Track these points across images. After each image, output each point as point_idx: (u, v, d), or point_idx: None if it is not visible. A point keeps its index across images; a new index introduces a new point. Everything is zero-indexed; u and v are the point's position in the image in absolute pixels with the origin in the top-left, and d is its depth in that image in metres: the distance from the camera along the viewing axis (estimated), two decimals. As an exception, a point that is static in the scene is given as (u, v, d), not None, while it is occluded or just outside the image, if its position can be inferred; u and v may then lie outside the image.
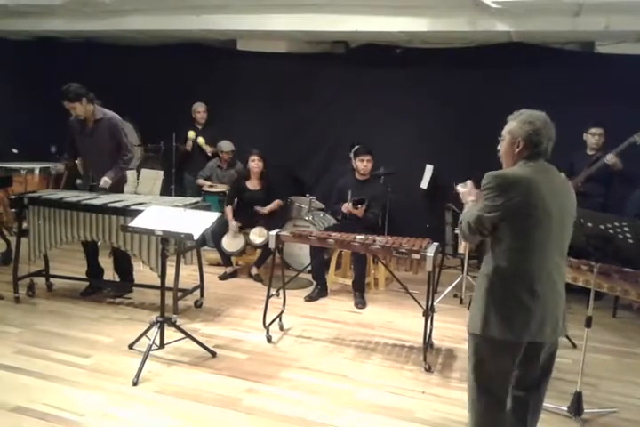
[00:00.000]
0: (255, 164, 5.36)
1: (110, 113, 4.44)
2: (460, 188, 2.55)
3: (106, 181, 4.36)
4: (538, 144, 2.20)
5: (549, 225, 2.14)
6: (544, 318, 2.16)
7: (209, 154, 6.36)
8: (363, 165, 4.96)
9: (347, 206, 4.87)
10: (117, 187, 4.53)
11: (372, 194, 4.97)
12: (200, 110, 6.50)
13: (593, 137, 4.85)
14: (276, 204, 5.47)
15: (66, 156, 4.71)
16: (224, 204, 5.74)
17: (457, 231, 4.77)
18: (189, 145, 6.40)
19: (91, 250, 4.61)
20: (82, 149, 4.50)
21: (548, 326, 2.18)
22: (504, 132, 2.32)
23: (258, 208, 5.38)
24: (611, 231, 2.82)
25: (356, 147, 5.11)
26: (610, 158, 4.60)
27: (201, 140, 6.31)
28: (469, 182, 2.55)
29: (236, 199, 5.51)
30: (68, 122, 4.46)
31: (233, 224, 5.25)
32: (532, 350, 2.25)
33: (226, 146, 6.09)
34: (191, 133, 6.32)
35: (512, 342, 2.17)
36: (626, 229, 2.76)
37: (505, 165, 2.32)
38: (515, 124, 2.26)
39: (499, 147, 2.33)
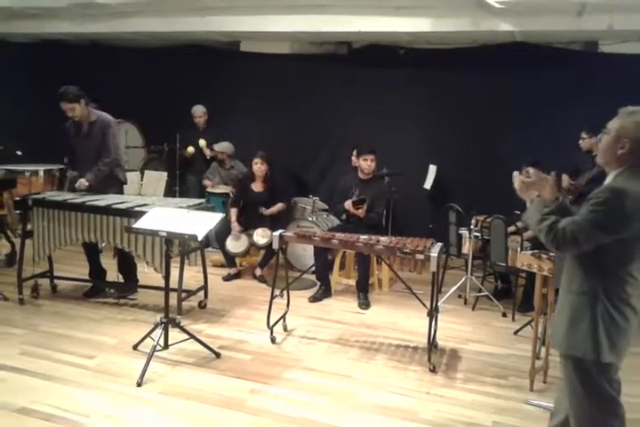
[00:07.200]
0: (258, 167, 5.35)
1: (104, 115, 4.45)
2: (517, 176, 2.21)
3: (81, 182, 4.34)
4: None
5: None
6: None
7: (207, 157, 6.36)
8: (367, 164, 4.95)
9: (349, 204, 4.86)
10: (103, 188, 4.43)
11: (375, 193, 4.96)
12: (198, 115, 6.49)
13: (582, 141, 5.03)
14: (278, 207, 5.43)
15: (69, 163, 4.70)
16: (228, 205, 5.74)
17: (470, 234, 4.72)
18: (189, 155, 6.40)
19: (91, 251, 4.63)
20: (77, 152, 4.50)
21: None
22: (610, 126, 2.09)
23: (262, 210, 5.37)
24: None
25: (359, 146, 5.13)
26: None
27: (202, 142, 6.31)
28: (532, 170, 2.23)
29: (240, 201, 5.50)
30: (65, 127, 4.47)
31: (235, 226, 5.25)
32: None
33: (219, 147, 6.10)
34: (190, 149, 6.33)
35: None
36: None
37: (602, 160, 2.14)
38: (627, 123, 2.04)
39: (595, 140, 2.15)
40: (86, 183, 4.34)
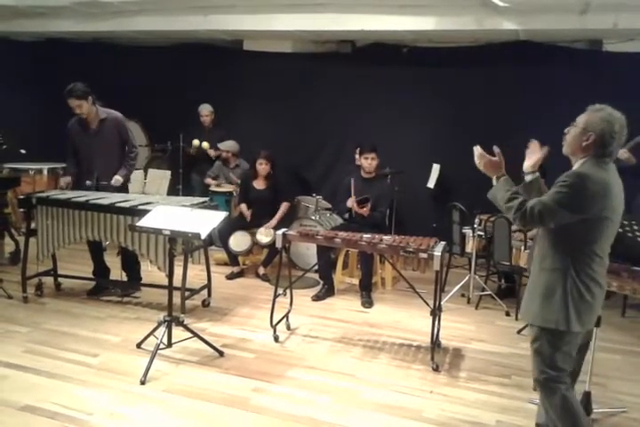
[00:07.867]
0: (262, 167, 5.35)
1: (114, 112, 4.48)
2: (477, 150, 2.47)
3: (117, 179, 4.43)
4: (607, 145, 2.26)
5: (615, 226, 2.28)
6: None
7: (213, 158, 6.37)
8: (368, 162, 4.95)
9: (352, 201, 4.86)
10: (123, 186, 4.56)
11: (378, 193, 4.96)
12: (204, 114, 6.50)
13: None
14: (284, 207, 5.42)
15: (72, 168, 4.62)
16: (232, 203, 5.75)
17: (474, 233, 4.72)
18: (194, 151, 6.41)
19: (95, 249, 4.64)
20: (85, 150, 4.46)
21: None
22: (579, 120, 2.34)
23: (269, 224, 5.29)
24: (620, 229, 2.81)
25: (362, 145, 5.13)
26: (622, 153, 4.54)
27: (205, 144, 6.31)
28: (496, 149, 2.47)
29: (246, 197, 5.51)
30: (68, 128, 4.47)
31: (245, 211, 5.36)
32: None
33: (224, 146, 6.10)
34: (195, 142, 6.33)
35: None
36: (635, 227, 2.75)
37: (568, 149, 2.37)
38: (593, 118, 2.29)
39: (566, 130, 2.36)
40: (121, 179, 4.45)
